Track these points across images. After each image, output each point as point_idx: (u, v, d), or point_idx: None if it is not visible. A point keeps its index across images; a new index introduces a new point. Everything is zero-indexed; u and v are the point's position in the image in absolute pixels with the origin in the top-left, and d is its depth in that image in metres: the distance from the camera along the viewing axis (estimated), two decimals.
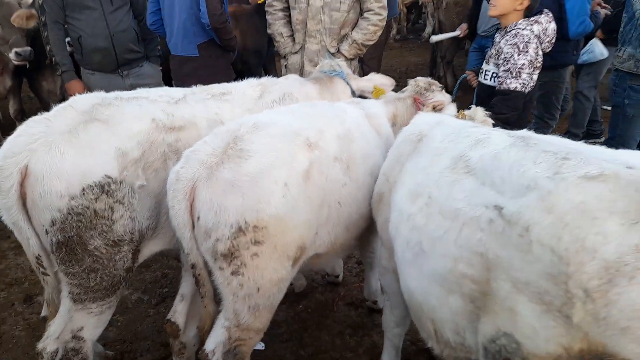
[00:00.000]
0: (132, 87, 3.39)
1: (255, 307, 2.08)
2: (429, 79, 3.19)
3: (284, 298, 3.42)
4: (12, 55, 4.63)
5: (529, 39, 3.09)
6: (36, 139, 1.97)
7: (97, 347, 2.76)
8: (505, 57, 3.21)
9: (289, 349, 3.04)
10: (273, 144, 2.06)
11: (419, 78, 3.21)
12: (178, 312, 2.43)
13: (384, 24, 3.94)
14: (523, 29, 3.13)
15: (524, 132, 1.67)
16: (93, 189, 1.97)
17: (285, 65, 4.12)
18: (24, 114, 5.39)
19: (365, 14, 3.89)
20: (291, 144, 2.11)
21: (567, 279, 1.23)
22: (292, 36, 4.04)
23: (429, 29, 10.99)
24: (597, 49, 4.85)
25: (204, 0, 3.66)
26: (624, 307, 1.17)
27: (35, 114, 2.17)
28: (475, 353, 1.58)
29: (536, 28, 3.14)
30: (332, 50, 3.91)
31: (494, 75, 3.28)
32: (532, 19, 3.17)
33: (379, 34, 3.95)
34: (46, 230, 2.00)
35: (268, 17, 4.07)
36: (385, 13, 3.91)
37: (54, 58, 4.29)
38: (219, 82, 2.83)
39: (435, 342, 1.79)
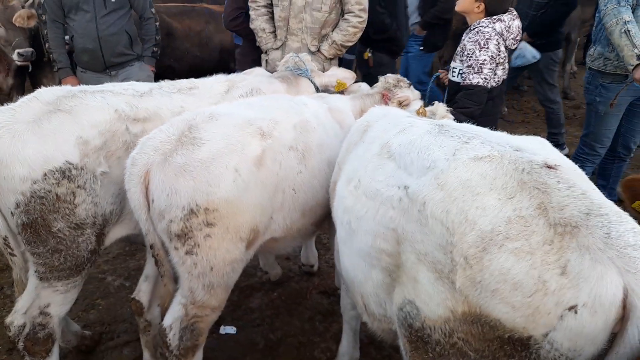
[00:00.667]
0: None
1: (209, 285, 2.20)
2: (398, 76, 3.30)
3: (259, 286, 3.64)
4: (14, 56, 4.85)
5: (490, 36, 3.18)
6: (1, 127, 2.10)
7: (74, 327, 2.92)
8: (468, 54, 3.32)
9: (259, 333, 3.17)
10: (226, 133, 2.19)
11: (388, 75, 3.33)
12: (142, 291, 2.58)
13: (364, 26, 3.99)
14: (485, 27, 3.23)
15: (445, 121, 1.78)
16: (54, 173, 2.10)
17: (266, 60, 4.18)
18: None
19: (346, 16, 3.96)
20: (244, 132, 2.23)
21: (452, 248, 1.34)
22: (274, 32, 4.10)
23: None
24: (527, 52, 4.94)
25: None
26: (493, 271, 1.27)
27: None
28: (394, 323, 1.69)
29: (498, 25, 3.24)
30: (313, 49, 3.98)
31: (460, 71, 3.37)
32: (494, 17, 3.27)
33: (358, 35, 4.01)
34: (12, 212, 2.13)
35: (251, 12, 4.13)
36: (365, 15, 3.96)
37: (51, 55, 4.44)
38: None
39: (366, 316, 1.91)
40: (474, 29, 3.30)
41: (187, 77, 2.94)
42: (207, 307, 2.26)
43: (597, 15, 3.85)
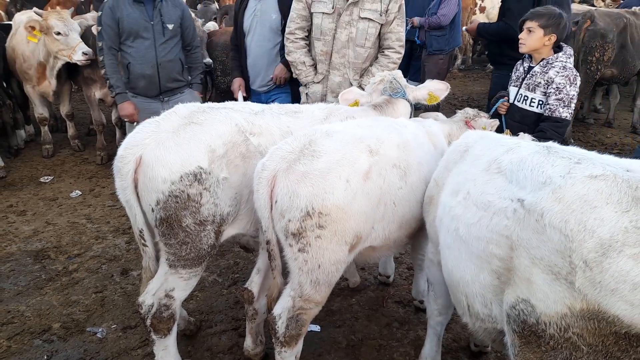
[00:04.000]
0: None
1: (316, 281, 2.49)
2: (476, 110, 3.57)
3: (339, 292, 3.91)
4: (79, 56, 5.44)
5: (577, 73, 3.39)
6: (148, 135, 2.50)
7: (182, 312, 3.29)
8: (557, 87, 3.51)
9: (341, 334, 3.43)
10: (340, 148, 2.49)
11: (467, 108, 3.60)
12: (254, 282, 2.90)
13: (400, 61, 4.09)
14: (566, 62, 3.44)
15: (549, 143, 2.01)
16: (189, 176, 2.45)
17: (306, 93, 4.24)
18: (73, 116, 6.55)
19: (386, 52, 4.07)
20: (355, 148, 2.53)
21: (571, 253, 1.56)
22: (313, 65, 4.16)
23: None
24: None
25: None
26: (613, 273, 1.49)
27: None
28: (500, 322, 1.91)
29: (572, 60, 3.47)
30: (355, 83, 4.05)
31: (540, 102, 3.57)
32: (567, 52, 3.48)
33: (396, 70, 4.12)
34: (152, 208, 2.50)
35: (288, 44, 4.15)
36: (403, 51, 4.09)
37: (108, 81, 4.52)
38: None
39: (468, 316, 2.13)
40: (553, 62, 3.52)
41: None
42: (312, 301, 2.55)
43: None
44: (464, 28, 7.36)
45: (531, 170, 1.83)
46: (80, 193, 5.46)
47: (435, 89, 3.52)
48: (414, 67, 8.10)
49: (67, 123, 6.64)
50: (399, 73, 3.57)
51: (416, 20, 8.06)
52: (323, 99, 4.15)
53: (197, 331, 3.37)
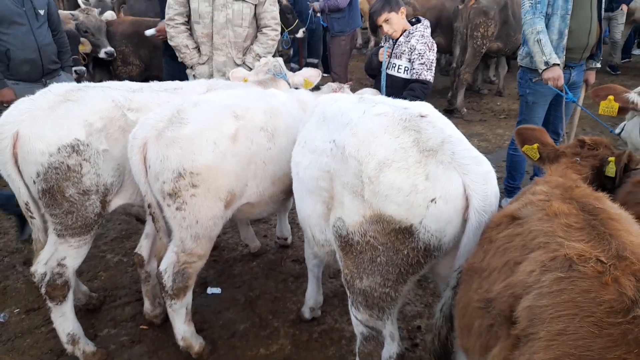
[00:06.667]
0: None
1: (196, 235, 2.75)
2: (339, 83, 3.99)
3: (241, 257, 4.21)
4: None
5: (433, 41, 3.88)
6: (24, 112, 2.65)
7: (82, 287, 3.46)
8: (419, 53, 3.97)
9: (240, 292, 3.73)
10: (206, 115, 2.76)
11: (330, 83, 4.04)
12: (143, 246, 3.13)
13: (279, 37, 4.48)
14: (424, 31, 3.91)
15: (365, 92, 2.39)
16: (66, 148, 2.62)
17: (194, 75, 4.43)
18: None
19: (264, 30, 4.41)
20: (220, 114, 2.81)
21: (361, 174, 1.94)
22: (197, 48, 4.38)
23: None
24: None
25: None
26: (386, 183, 1.87)
27: None
28: (332, 243, 2.29)
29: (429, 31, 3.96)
30: (238, 61, 4.37)
31: (406, 68, 4.02)
32: (424, 23, 3.97)
33: (275, 46, 4.51)
34: (33, 180, 2.65)
35: (169, 29, 4.35)
36: (279, 29, 4.48)
37: None
38: None
39: (315, 245, 2.50)
40: (414, 33, 3.97)
41: None
42: (195, 255, 2.81)
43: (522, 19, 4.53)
44: None
45: (341, 116, 2.22)
46: None
47: (309, 75, 3.97)
48: (312, 47, 8.79)
49: None
50: (281, 60, 3.93)
51: (316, 5, 8.45)
52: (210, 78, 4.31)
53: (101, 305, 3.55)
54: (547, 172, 2.07)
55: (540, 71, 4.05)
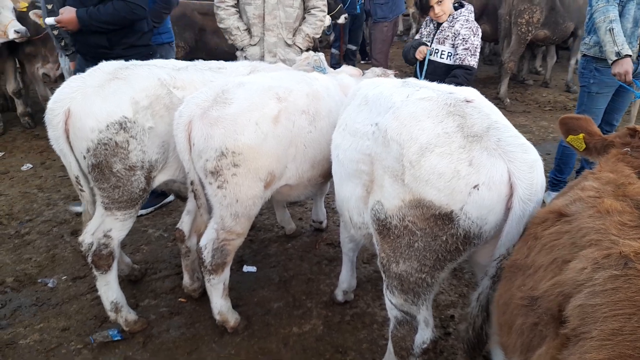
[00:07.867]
0: None
1: (235, 214, 2.82)
2: (383, 69, 3.94)
3: (276, 239, 4.28)
4: (12, 34, 5.59)
5: (478, 25, 3.79)
6: (75, 90, 2.75)
7: (126, 259, 3.60)
8: (463, 38, 3.89)
9: (275, 272, 3.80)
10: (250, 95, 2.81)
11: (373, 67, 3.96)
12: (184, 222, 3.22)
13: (327, 18, 4.48)
14: (468, 16, 3.82)
15: (409, 79, 2.37)
16: (115, 125, 2.72)
17: (245, 56, 4.47)
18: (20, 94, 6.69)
19: (312, 11, 4.45)
20: (264, 95, 2.84)
21: (402, 157, 1.93)
22: (247, 30, 4.42)
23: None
24: None
25: None
26: (427, 168, 1.86)
27: None
28: (369, 226, 2.29)
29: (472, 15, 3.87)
30: (289, 42, 4.41)
31: (449, 54, 3.95)
32: (469, 8, 3.87)
33: (323, 27, 4.51)
34: (84, 155, 2.78)
35: (220, 12, 4.38)
36: (326, 10, 4.50)
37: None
38: None
39: (352, 228, 2.51)
40: (458, 17, 3.89)
41: None
42: (234, 232, 2.89)
43: (589, 9, 4.35)
44: None
45: (384, 99, 2.21)
46: (31, 166, 5.64)
47: (350, 74, 3.92)
48: (353, 33, 8.74)
49: (15, 101, 6.74)
50: (322, 55, 3.91)
51: None
52: (261, 60, 4.41)
53: (142, 277, 3.69)
54: (597, 165, 2.00)
55: (610, 62, 3.87)
